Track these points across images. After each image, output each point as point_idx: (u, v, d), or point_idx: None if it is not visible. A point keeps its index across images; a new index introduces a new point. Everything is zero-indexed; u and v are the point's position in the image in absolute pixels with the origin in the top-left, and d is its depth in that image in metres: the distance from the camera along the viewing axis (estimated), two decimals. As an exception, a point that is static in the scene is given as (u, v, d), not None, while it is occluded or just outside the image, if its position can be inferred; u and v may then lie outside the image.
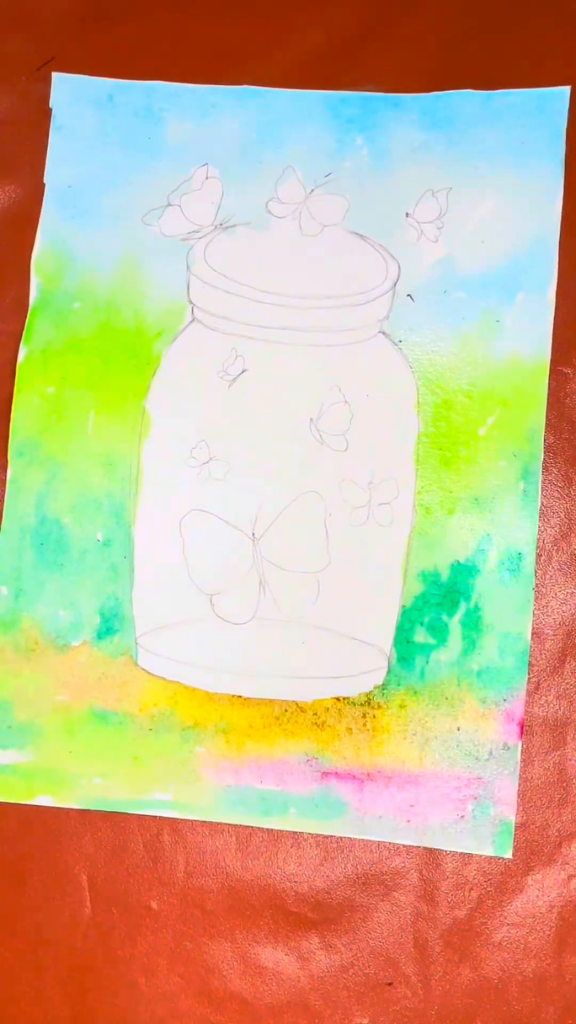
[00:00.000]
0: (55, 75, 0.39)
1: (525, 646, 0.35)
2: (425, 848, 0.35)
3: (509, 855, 0.35)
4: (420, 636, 0.36)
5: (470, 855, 0.35)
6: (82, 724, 0.36)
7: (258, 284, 0.37)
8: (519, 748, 0.35)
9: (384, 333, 0.37)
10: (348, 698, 0.36)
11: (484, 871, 0.35)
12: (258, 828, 0.36)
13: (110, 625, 0.37)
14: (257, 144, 0.38)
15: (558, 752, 0.35)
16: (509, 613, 0.36)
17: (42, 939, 0.36)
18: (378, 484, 0.36)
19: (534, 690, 0.36)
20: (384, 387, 0.37)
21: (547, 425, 0.36)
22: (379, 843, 0.35)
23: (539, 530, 0.36)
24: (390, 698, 0.36)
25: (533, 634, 0.36)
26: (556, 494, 0.36)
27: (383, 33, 0.38)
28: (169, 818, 0.36)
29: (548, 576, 0.36)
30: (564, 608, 0.36)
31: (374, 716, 0.36)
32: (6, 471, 0.37)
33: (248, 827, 0.36)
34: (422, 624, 0.36)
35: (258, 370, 0.37)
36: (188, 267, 0.38)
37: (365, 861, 0.35)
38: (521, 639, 0.36)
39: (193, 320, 0.37)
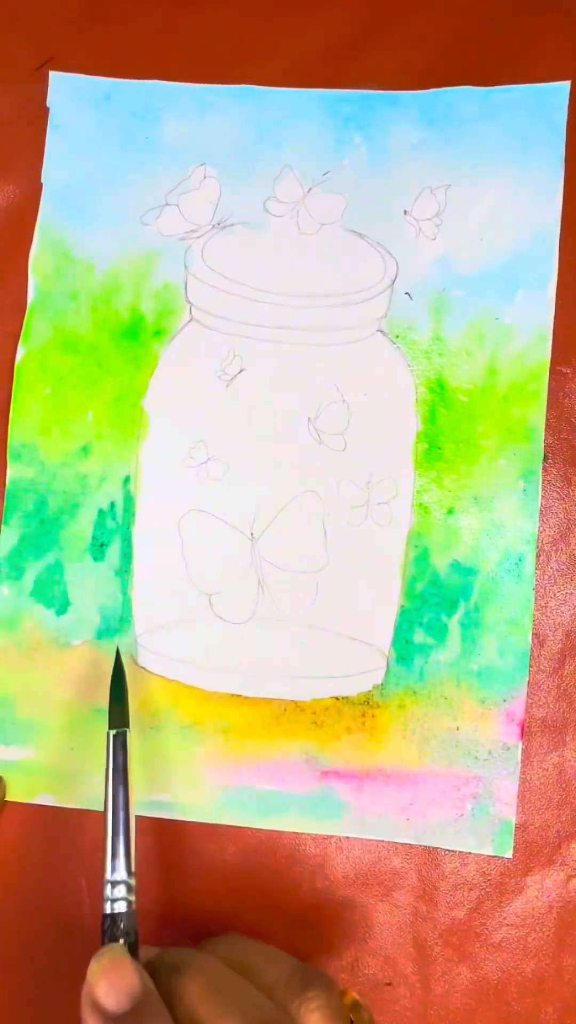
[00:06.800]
0: (52, 74, 0.39)
1: (525, 646, 0.35)
2: (424, 849, 0.35)
3: (509, 854, 0.35)
4: (419, 636, 0.36)
5: (469, 856, 0.35)
6: (83, 721, 0.36)
7: (256, 283, 0.37)
8: (519, 748, 0.35)
9: (382, 332, 0.37)
10: (347, 697, 0.36)
11: (483, 872, 0.35)
12: (258, 828, 0.36)
13: (110, 624, 0.37)
14: (255, 143, 0.38)
15: (558, 753, 0.35)
16: (509, 613, 0.36)
17: (41, 939, 0.36)
18: (376, 484, 0.36)
19: (534, 690, 0.35)
20: (382, 386, 0.37)
21: (547, 425, 0.36)
22: (379, 843, 0.35)
23: (539, 530, 0.36)
24: (389, 698, 0.36)
25: (533, 634, 0.36)
26: (556, 494, 0.36)
27: (381, 31, 0.38)
28: (169, 819, 0.36)
29: (548, 576, 0.36)
30: (564, 608, 0.36)
31: (373, 716, 0.36)
32: (5, 472, 0.38)
33: (248, 827, 0.36)
34: (421, 624, 0.36)
35: (256, 370, 0.37)
36: (186, 267, 0.38)
37: (365, 861, 0.35)
38: (521, 639, 0.35)
39: (191, 320, 0.37)
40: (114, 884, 0.30)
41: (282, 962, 0.28)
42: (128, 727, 0.33)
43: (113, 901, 0.30)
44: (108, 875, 0.31)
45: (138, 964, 0.27)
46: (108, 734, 0.33)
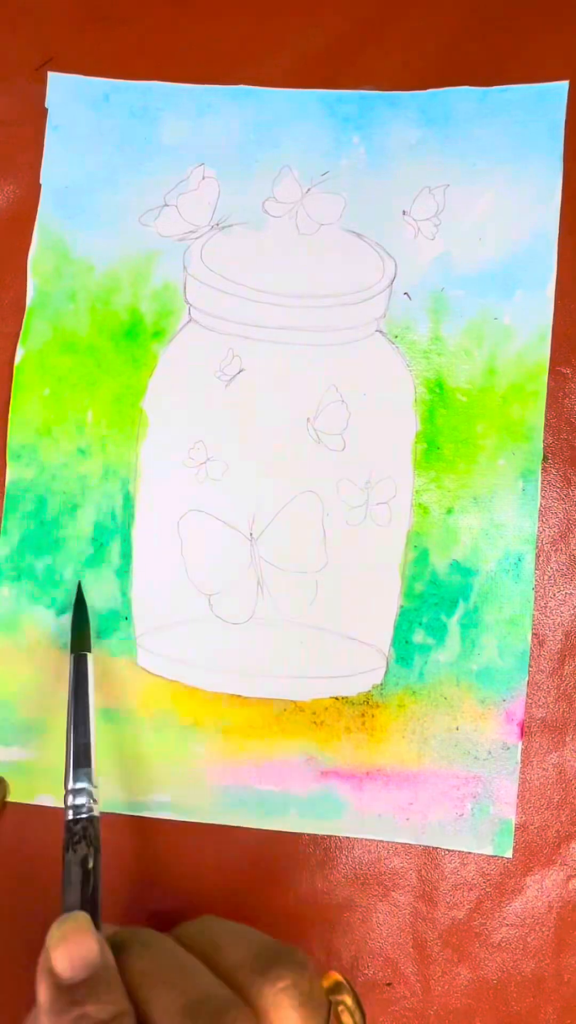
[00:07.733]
0: (51, 75, 0.39)
1: (525, 646, 0.35)
2: (424, 849, 0.35)
3: (509, 854, 0.35)
4: (419, 636, 0.36)
5: (469, 856, 0.35)
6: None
7: (255, 284, 0.37)
8: (519, 748, 0.35)
9: (381, 332, 0.37)
10: (347, 698, 0.36)
11: (483, 872, 0.35)
12: (258, 828, 0.36)
13: (109, 625, 0.37)
14: (254, 143, 0.38)
15: (557, 753, 0.35)
16: (508, 613, 0.36)
17: (42, 941, 0.36)
18: (376, 484, 0.36)
19: (534, 690, 0.35)
20: (381, 386, 0.37)
21: (546, 425, 0.36)
22: (378, 843, 0.35)
23: (538, 530, 0.36)
24: (389, 698, 0.36)
25: (532, 634, 0.36)
26: (555, 494, 0.36)
27: (380, 32, 0.38)
28: (169, 819, 0.36)
29: (547, 576, 0.36)
30: (563, 608, 0.36)
31: (373, 716, 0.36)
32: (5, 473, 0.38)
33: (248, 827, 0.36)
34: (420, 624, 0.36)
35: (255, 370, 0.37)
36: (185, 267, 0.38)
37: (365, 861, 0.35)
38: (520, 639, 0.35)
39: (190, 320, 0.37)
40: (76, 793, 0.31)
41: (252, 941, 0.26)
42: (89, 651, 0.35)
43: (76, 808, 0.31)
44: (70, 785, 0.31)
45: (99, 935, 0.26)
46: (71, 656, 0.34)
